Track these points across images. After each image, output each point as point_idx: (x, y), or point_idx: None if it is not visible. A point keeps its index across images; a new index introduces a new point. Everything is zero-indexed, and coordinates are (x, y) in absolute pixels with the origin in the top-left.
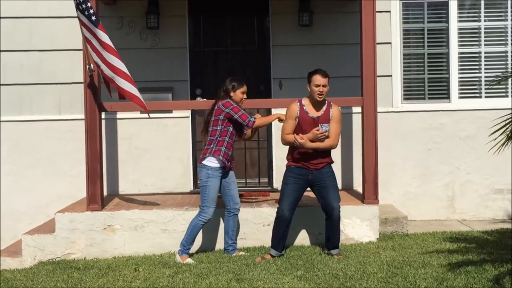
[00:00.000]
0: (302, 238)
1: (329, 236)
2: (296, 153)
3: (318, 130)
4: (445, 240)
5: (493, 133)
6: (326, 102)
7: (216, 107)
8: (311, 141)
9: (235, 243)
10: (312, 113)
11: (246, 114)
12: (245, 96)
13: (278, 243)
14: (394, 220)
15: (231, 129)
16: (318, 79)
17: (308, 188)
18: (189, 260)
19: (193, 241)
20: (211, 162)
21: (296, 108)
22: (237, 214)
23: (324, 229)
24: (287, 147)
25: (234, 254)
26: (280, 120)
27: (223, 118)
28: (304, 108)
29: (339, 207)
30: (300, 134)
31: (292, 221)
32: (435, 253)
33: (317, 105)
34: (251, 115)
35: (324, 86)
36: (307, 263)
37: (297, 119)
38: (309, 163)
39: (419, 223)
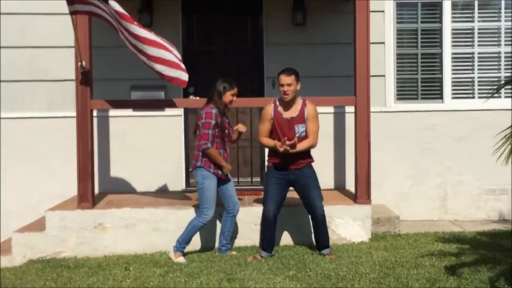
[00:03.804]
0: (294, 238)
1: (317, 237)
2: (276, 154)
3: (282, 143)
4: (437, 241)
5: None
6: (301, 100)
7: (201, 111)
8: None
9: (229, 243)
10: (286, 114)
11: (209, 136)
12: (234, 98)
13: (268, 244)
14: (386, 220)
15: (215, 139)
16: (282, 78)
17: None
18: (180, 259)
19: (190, 241)
20: (203, 167)
21: (270, 110)
22: (235, 215)
23: None
24: None
25: (226, 254)
26: (225, 168)
27: (201, 124)
28: (278, 109)
29: (322, 206)
30: (281, 143)
31: (284, 221)
32: (427, 253)
33: (289, 105)
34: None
35: (288, 85)
36: (299, 263)
37: (272, 121)
38: (289, 164)
39: (411, 223)
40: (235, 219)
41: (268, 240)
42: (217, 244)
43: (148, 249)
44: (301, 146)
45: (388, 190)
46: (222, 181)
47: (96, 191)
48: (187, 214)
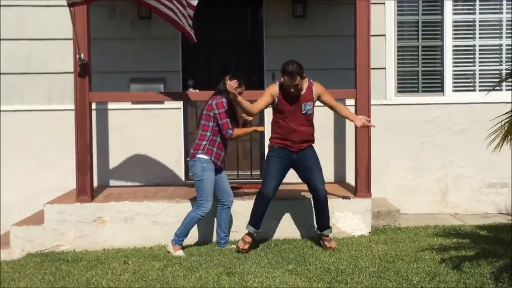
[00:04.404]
0: (294, 231)
1: (317, 218)
2: (279, 134)
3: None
4: (437, 234)
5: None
6: (307, 79)
7: (210, 101)
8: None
9: (227, 236)
10: (293, 93)
11: (229, 124)
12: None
13: (258, 221)
14: (386, 213)
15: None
16: (287, 80)
17: (299, 180)
18: (179, 253)
19: (187, 234)
20: (205, 155)
21: (276, 88)
22: (230, 207)
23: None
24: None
25: (225, 247)
26: (256, 131)
27: (213, 115)
28: (284, 88)
29: (324, 188)
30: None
31: (284, 214)
32: (427, 247)
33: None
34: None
35: (295, 86)
36: (298, 256)
37: (276, 99)
38: (291, 144)
39: (411, 217)
40: (230, 210)
41: (258, 216)
42: (215, 238)
43: (147, 242)
44: (350, 113)
45: (389, 184)
46: (217, 172)
47: (95, 184)
48: (186, 207)
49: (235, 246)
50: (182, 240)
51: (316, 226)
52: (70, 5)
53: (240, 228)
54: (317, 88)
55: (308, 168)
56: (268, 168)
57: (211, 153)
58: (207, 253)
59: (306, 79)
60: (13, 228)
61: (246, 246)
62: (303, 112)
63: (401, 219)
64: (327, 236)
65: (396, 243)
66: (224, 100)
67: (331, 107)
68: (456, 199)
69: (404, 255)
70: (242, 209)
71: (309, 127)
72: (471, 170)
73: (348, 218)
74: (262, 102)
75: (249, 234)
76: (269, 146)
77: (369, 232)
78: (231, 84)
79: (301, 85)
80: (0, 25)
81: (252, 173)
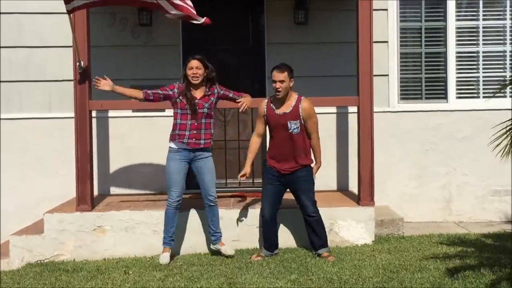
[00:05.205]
0: (296, 240)
1: (310, 238)
2: (271, 154)
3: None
4: (441, 243)
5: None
6: (296, 96)
7: None
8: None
9: (218, 232)
10: (279, 110)
11: (156, 91)
12: (193, 71)
13: (268, 244)
14: (390, 222)
15: (179, 111)
16: (274, 75)
17: None
18: (162, 257)
19: (170, 230)
20: (170, 142)
21: (263, 106)
22: (212, 205)
23: None
24: None
25: (217, 244)
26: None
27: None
28: (271, 105)
29: (312, 206)
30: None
31: (285, 223)
32: (431, 256)
33: (283, 101)
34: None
35: (281, 82)
36: (301, 266)
37: (265, 117)
38: (281, 168)
39: (415, 225)
40: (216, 208)
41: (267, 239)
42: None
43: (148, 251)
44: (318, 156)
45: (392, 191)
46: (198, 163)
47: (96, 193)
48: (186, 216)
49: (231, 251)
50: (167, 238)
51: (311, 245)
52: (69, 12)
53: (242, 237)
54: (304, 107)
55: (297, 190)
56: (262, 190)
57: (174, 137)
58: (209, 263)
59: (296, 95)
60: (12, 238)
61: (257, 258)
62: (289, 131)
63: (405, 228)
64: (324, 253)
65: (399, 252)
66: (176, 83)
67: (308, 134)
68: (460, 207)
69: (408, 264)
70: (243, 218)
71: (297, 149)
72: (475, 178)
73: (351, 227)
74: (259, 127)
75: (262, 253)
76: (266, 165)
77: (372, 241)
78: None
79: (287, 86)
80: (0, 33)
81: (254, 181)
